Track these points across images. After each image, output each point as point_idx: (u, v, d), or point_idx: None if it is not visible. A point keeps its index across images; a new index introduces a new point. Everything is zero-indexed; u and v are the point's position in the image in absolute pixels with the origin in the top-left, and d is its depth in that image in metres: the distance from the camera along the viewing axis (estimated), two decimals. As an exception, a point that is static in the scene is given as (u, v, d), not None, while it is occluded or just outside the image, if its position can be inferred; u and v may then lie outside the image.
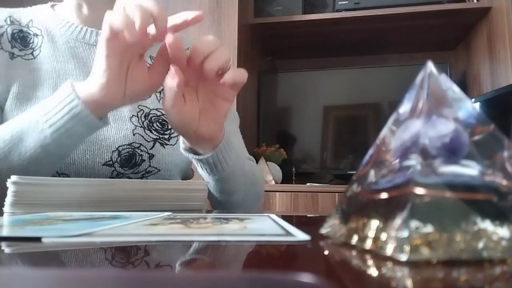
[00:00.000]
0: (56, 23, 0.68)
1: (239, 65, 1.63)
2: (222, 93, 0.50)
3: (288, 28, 1.80)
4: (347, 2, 1.70)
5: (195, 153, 0.55)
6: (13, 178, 0.43)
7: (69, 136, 0.49)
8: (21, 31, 0.65)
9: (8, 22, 0.65)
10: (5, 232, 0.27)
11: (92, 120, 0.48)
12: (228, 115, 0.76)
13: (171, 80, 0.46)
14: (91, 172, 0.59)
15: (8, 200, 0.43)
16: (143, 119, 0.65)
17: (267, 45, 1.99)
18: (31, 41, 0.65)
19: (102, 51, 0.45)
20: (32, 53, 0.64)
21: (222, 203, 0.63)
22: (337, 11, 1.71)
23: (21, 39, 0.65)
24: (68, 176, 0.58)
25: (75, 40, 0.67)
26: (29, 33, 0.66)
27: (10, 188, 0.43)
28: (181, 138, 0.56)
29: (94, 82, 0.47)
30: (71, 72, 0.64)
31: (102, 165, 0.60)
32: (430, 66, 0.23)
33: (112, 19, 0.43)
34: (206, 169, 0.56)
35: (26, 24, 0.67)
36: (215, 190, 0.60)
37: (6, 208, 0.43)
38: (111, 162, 0.60)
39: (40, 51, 0.65)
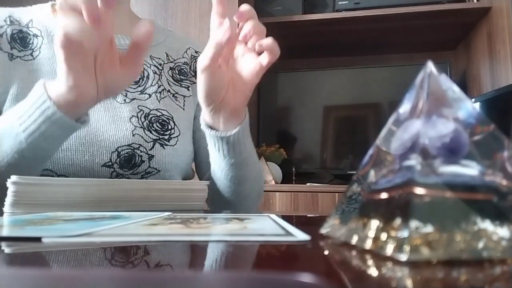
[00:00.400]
0: (56, 23, 0.67)
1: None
2: (252, 66, 0.51)
3: (288, 28, 1.80)
4: (347, 2, 1.70)
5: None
6: (13, 178, 0.43)
7: (45, 139, 0.47)
8: (20, 31, 0.65)
9: (8, 22, 0.65)
10: (5, 232, 0.27)
11: (67, 122, 0.46)
12: None
13: (222, 35, 0.46)
14: (90, 173, 0.59)
15: (8, 200, 0.43)
16: (143, 119, 0.65)
17: (267, 45, 1.99)
18: (30, 42, 0.65)
19: (59, 55, 0.42)
20: (31, 54, 0.64)
21: (225, 197, 0.62)
22: (337, 11, 1.72)
23: (20, 39, 0.64)
24: (67, 177, 0.58)
25: None
26: (28, 33, 0.66)
27: (10, 188, 0.43)
28: (201, 115, 0.56)
29: (62, 84, 0.44)
30: None
31: (101, 166, 0.60)
32: (430, 66, 0.23)
33: (66, 24, 0.40)
34: (223, 150, 0.55)
35: (26, 24, 0.66)
36: (225, 178, 0.60)
37: (6, 208, 0.43)
38: (110, 163, 0.60)
39: (39, 52, 0.64)
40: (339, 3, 1.71)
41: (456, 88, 0.23)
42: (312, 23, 1.74)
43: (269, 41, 0.49)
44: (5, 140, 0.48)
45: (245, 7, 0.49)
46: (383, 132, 0.25)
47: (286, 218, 0.34)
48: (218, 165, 0.59)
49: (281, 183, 1.72)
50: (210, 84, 0.50)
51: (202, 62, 0.48)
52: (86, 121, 0.49)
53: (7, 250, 0.22)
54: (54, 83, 0.46)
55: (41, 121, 0.46)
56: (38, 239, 0.22)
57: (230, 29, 0.46)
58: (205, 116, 0.55)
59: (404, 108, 0.24)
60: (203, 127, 0.56)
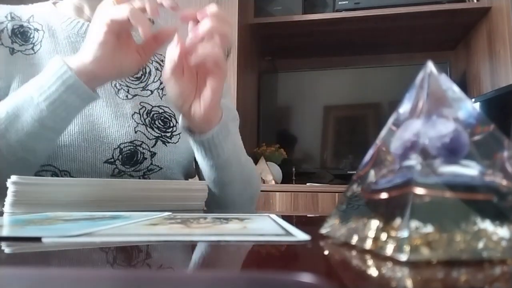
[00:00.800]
0: (57, 18, 0.68)
1: (239, 65, 1.63)
2: (210, 68, 0.51)
3: (288, 28, 1.80)
4: (347, 2, 1.70)
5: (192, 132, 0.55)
6: (13, 178, 0.43)
7: (65, 108, 0.50)
8: (21, 26, 0.65)
9: (9, 18, 0.65)
10: (5, 232, 0.27)
11: (86, 90, 0.49)
12: (228, 114, 0.75)
13: (173, 49, 0.48)
14: (92, 170, 0.59)
15: (8, 200, 0.43)
16: (145, 116, 0.65)
17: (267, 45, 1.99)
18: (31, 36, 0.65)
19: (102, 27, 0.46)
20: (32, 48, 0.64)
21: (216, 199, 0.62)
22: (337, 11, 1.72)
23: (21, 34, 0.65)
24: (69, 174, 0.58)
25: (76, 34, 0.67)
26: (29, 27, 0.66)
27: (10, 188, 0.43)
28: (180, 116, 0.57)
29: (88, 53, 0.48)
30: None
31: (104, 162, 0.60)
32: (430, 66, 0.23)
33: (121, 10, 0.45)
34: (201, 151, 0.56)
35: (27, 19, 0.67)
36: (209, 180, 0.60)
37: (6, 208, 0.43)
38: (112, 160, 0.60)
39: (40, 46, 0.64)
40: (339, 3, 1.71)
41: (456, 88, 0.23)
42: (312, 23, 1.74)
43: (209, 48, 0.48)
44: (24, 111, 0.50)
45: (211, 8, 0.49)
46: (383, 132, 0.25)
47: (286, 218, 0.34)
48: (201, 166, 0.59)
49: (281, 183, 1.72)
50: (173, 94, 0.51)
51: (164, 75, 0.50)
52: (98, 95, 0.52)
53: (7, 250, 0.22)
54: (76, 55, 0.49)
55: (62, 90, 0.49)
56: (38, 239, 0.22)
57: (179, 46, 0.48)
58: (181, 119, 0.56)
59: (404, 108, 0.24)
60: (180, 128, 0.57)
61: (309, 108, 1.92)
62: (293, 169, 1.77)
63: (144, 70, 0.69)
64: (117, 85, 0.65)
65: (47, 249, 0.22)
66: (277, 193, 1.54)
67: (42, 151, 0.54)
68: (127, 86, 0.66)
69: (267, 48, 2.02)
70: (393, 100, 1.78)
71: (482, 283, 0.15)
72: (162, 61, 0.72)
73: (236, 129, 0.77)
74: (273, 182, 1.65)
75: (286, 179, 1.76)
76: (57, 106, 0.49)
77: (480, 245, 0.18)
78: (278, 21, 1.76)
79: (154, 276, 0.16)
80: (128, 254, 0.21)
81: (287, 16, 1.75)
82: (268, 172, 1.66)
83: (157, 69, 0.70)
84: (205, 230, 0.27)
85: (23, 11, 0.68)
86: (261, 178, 1.68)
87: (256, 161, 1.74)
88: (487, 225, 0.19)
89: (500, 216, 0.19)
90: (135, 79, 0.67)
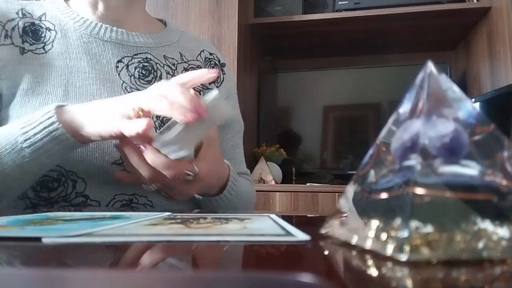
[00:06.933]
0: (70, 17, 0.67)
1: (239, 65, 1.63)
2: None
3: (288, 28, 1.80)
4: (347, 2, 1.70)
5: None
6: None
7: (48, 156, 0.50)
8: (33, 24, 0.64)
9: (20, 15, 0.64)
10: (5, 232, 0.27)
11: (73, 142, 0.50)
12: (234, 125, 0.76)
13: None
14: (99, 171, 0.59)
15: None
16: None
17: (267, 45, 1.99)
18: (43, 35, 0.64)
19: (117, 129, 0.47)
20: (43, 47, 0.63)
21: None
22: (337, 11, 1.71)
23: (32, 32, 0.64)
24: (76, 174, 0.58)
25: (89, 35, 0.66)
26: (41, 26, 0.65)
27: None
28: None
29: (92, 128, 0.49)
30: (84, 69, 0.63)
31: (111, 164, 0.59)
32: (430, 66, 0.23)
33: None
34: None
35: (39, 17, 0.66)
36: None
37: None
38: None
39: (52, 46, 0.64)
40: (339, 3, 1.71)
41: (456, 88, 0.23)
42: (312, 23, 1.74)
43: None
44: (6, 153, 0.50)
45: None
46: (383, 132, 0.25)
47: (286, 218, 0.34)
48: None
49: (281, 183, 1.72)
50: None
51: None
52: (82, 144, 0.53)
53: (7, 250, 0.22)
54: (81, 112, 0.50)
55: (47, 140, 0.49)
56: (38, 239, 0.22)
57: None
58: None
59: (404, 108, 0.23)
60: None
61: (309, 108, 1.92)
62: (293, 169, 1.77)
63: (155, 73, 0.68)
64: (128, 88, 0.65)
65: (47, 249, 0.22)
66: (277, 193, 1.54)
67: (18, 190, 0.55)
68: (137, 89, 0.65)
69: (267, 48, 2.02)
70: (393, 100, 1.78)
71: (482, 283, 0.15)
72: (174, 64, 0.71)
73: (240, 140, 0.78)
74: (273, 182, 1.65)
75: (286, 179, 1.76)
76: (40, 154, 0.50)
77: (480, 245, 0.18)
78: (278, 21, 1.75)
79: (153, 276, 0.16)
80: (128, 254, 0.21)
81: (287, 16, 1.75)
82: (268, 172, 1.66)
83: (168, 73, 0.69)
84: (205, 230, 0.27)
85: (34, 8, 0.66)
86: (261, 178, 1.68)
87: (256, 161, 1.74)
88: (487, 225, 0.19)
89: (500, 216, 0.19)
90: (145, 82, 0.66)
